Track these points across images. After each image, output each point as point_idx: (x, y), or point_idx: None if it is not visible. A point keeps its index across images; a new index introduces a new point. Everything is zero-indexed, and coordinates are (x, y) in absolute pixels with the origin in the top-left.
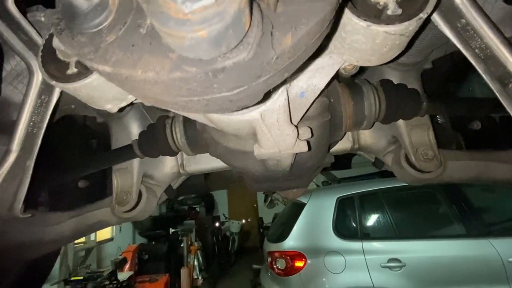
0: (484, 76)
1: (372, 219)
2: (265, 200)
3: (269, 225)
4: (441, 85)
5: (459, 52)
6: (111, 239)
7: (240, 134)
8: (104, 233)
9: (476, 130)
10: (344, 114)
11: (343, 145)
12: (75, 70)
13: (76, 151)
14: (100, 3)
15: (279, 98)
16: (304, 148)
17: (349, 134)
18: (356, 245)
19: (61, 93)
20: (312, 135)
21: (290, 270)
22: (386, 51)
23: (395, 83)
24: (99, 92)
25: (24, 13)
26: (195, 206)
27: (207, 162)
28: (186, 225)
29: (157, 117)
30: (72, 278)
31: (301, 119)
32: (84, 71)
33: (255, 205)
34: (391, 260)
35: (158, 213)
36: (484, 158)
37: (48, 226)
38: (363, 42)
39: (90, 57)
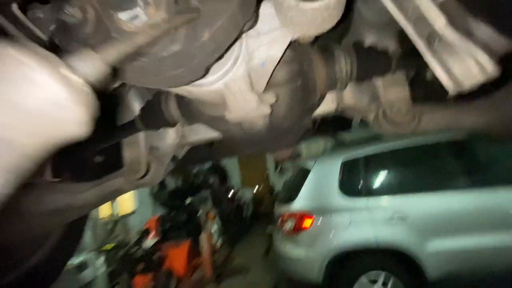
0: (411, 36)
1: (377, 178)
2: (275, 168)
3: (280, 192)
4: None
5: None
6: (133, 213)
7: (215, 103)
8: (126, 208)
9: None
10: (317, 77)
11: (328, 106)
12: None
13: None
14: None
15: (238, 69)
16: (267, 110)
17: (333, 96)
18: (361, 201)
19: None
20: (277, 99)
21: (299, 229)
22: (320, 23)
23: (372, 42)
24: None
25: (25, 13)
26: (209, 178)
27: (205, 133)
28: (202, 195)
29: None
30: (104, 248)
31: (267, 85)
32: None
33: (266, 173)
34: (394, 214)
35: (174, 186)
36: (455, 109)
37: (76, 194)
38: (298, 18)
39: None
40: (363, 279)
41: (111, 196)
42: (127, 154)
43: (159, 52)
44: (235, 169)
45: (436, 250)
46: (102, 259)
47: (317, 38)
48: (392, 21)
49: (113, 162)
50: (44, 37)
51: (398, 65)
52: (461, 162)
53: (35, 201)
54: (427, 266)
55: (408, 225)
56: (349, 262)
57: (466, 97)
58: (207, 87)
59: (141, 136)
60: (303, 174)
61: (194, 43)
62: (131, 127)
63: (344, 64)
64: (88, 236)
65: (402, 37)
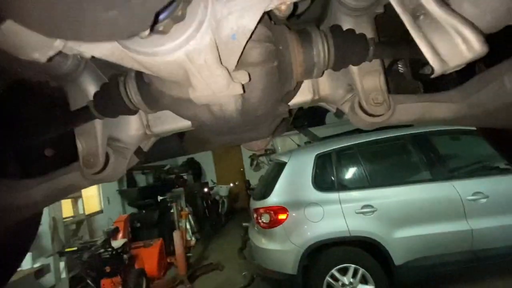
0: (397, 8)
1: (348, 172)
2: (251, 164)
3: (255, 187)
4: (397, 30)
5: None
6: (100, 211)
7: (177, 79)
8: (93, 206)
9: (430, 75)
10: (294, 61)
11: (304, 96)
12: None
13: (40, 118)
14: None
15: (203, 37)
16: (239, 90)
17: (309, 85)
18: (333, 196)
19: None
20: (250, 79)
21: (274, 223)
22: None
23: (348, 28)
24: (21, 38)
25: None
26: (182, 174)
27: (173, 122)
28: (175, 192)
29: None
30: (67, 250)
31: (238, 62)
32: None
33: (242, 169)
34: (364, 206)
35: (145, 183)
36: (428, 100)
37: (18, 192)
38: None
39: None
40: (335, 271)
41: (63, 193)
42: (82, 145)
43: None
44: (210, 164)
45: (402, 237)
46: (63, 263)
47: (292, 16)
48: (370, 7)
49: (67, 156)
50: None
51: (375, 53)
52: (423, 156)
53: None
54: (394, 252)
55: (377, 216)
56: (323, 254)
57: (436, 88)
58: (165, 56)
59: (98, 125)
60: (278, 169)
61: None
62: (84, 114)
63: (321, 48)
64: (47, 238)
65: (379, 24)
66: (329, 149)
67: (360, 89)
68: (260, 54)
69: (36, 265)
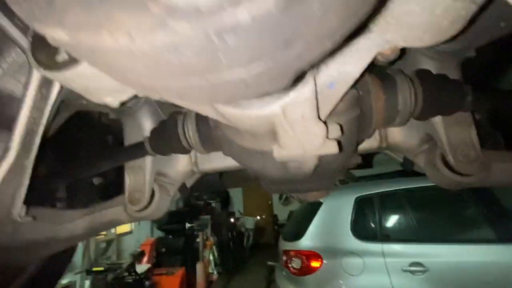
0: None
1: (392, 221)
2: (280, 197)
3: (284, 223)
4: (483, 76)
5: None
6: (130, 232)
7: (257, 132)
8: (123, 226)
9: None
10: (375, 108)
11: (369, 143)
12: (65, 56)
13: (93, 148)
14: None
15: (305, 87)
16: (334, 149)
17: (376, 131)
18: (375, 247)
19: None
20: (342, 133)
21: (306, 270)
22: (447, 25)
23: (439, 73)
24: (94, 82)
25: None
26: (210, 201)
27: (221, 161)
28: (202, 220)
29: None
30: (94, 269)
31: (328, 114)
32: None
33: (270, 202)
34: (413, 264)
35: (174, 207)
36: None
37: (62, 223)
38: (417, 14)
39: (39, 17)
40: None
41: (104, 227)
42: (129, 179)
43: (217, 14)
44: (239, 193)
45: None
46: (89, 281)
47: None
48: (460, 51)
49: (113, 185)
50: None
51: (475, 103)
52: (484, 210)
53: (11, 233)
54: None
55: (428, 278)
56: None
57: None
58: (255, 110)
59: (148, 160)
60: (312, 208)
61: (289, 15)
62: (138, 150)
63: (408, 94)
64: (79, 254)
65: (469, 69)
66: (371, 192)
67: (445, 141)
68: (345, 101)
69: (64, 281)
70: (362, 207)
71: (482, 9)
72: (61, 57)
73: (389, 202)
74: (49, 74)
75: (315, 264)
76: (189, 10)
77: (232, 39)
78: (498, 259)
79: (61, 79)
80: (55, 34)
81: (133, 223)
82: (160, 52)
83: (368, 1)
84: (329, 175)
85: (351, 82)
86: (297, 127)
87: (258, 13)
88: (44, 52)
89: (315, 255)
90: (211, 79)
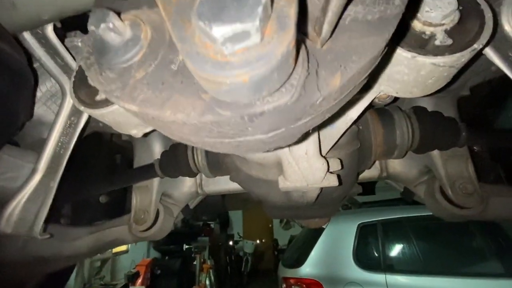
0: None
1: (396, 250)
2: (281, 221)
3: (284, 248)
4: (479, 112)
5: (498, 78)
6: (126, 251)
7: (265, 164)
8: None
9: None
10: (374, 142)
11: (370, 173)
12: (103, 97)
13: (102, 166)
14: (132, 38)
15: None
16: (334, 182)
17: (377, 161)
18: (378, 277)
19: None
20: (342, 167)
21: None
22: (431, 83)
23: (434, 110)
24: (125, 118)
25: (62, 38)
26: (210, 222)
27: (225, 184)
28: (200, 241)
29: None
30: None
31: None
32: None
33: (270, 225)
34: None
35: (173, 227)
36: None
37: (67, 241)
38: (406, 74)
39: (117, 95)
40: None
41: (107, 246)
42: (136, 199)
43: (251, 106)
44: (239, 215)
45: None
46: None
47: None
48: (455, 89)
49: (119, 203)
50: (74, 66)
51: (467, 140)
52: (490, 242)
53: (20, 249)
54: None
55: None
56: None
57: None
58: None
59: (155, 180)
60: (314, 234)
61: (313, 94)
62: (148, 172)
63: (406, 130)
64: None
65: (464, 107)
66: (374, 219)
67: (444, 174)
68: (346, 136)
69: None
70: (365, 235)
71: (466, 66)
72: (99, 97)
73: (393, 230)
74: (88, 111)
75: None
76: (232, 103)
77: (259, 120)
78: None
79: (97, 114)
80: (127, 107)
81: None
82: (206, 125)
83: (361, 83)
84: (331, 203)
85: (350, 123)
86: (301, 162)
87: (279, 104)
88: (84, 91)
89: (316, 284)
90: (238, 140)
